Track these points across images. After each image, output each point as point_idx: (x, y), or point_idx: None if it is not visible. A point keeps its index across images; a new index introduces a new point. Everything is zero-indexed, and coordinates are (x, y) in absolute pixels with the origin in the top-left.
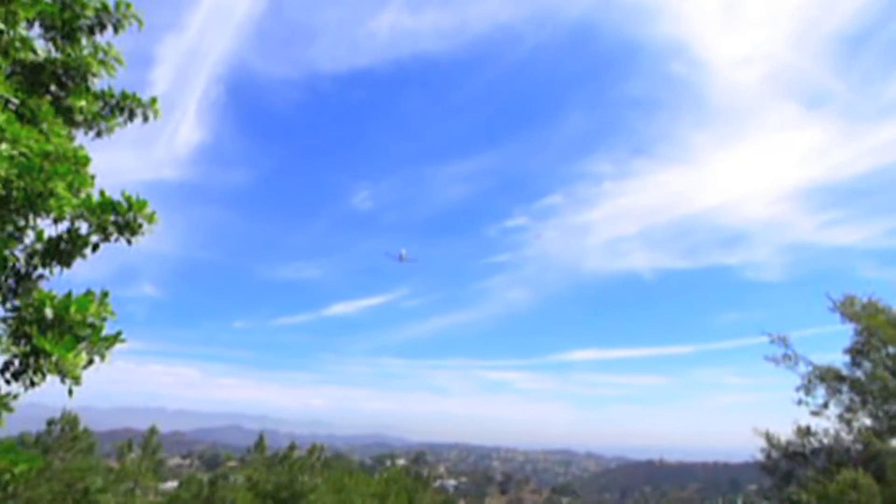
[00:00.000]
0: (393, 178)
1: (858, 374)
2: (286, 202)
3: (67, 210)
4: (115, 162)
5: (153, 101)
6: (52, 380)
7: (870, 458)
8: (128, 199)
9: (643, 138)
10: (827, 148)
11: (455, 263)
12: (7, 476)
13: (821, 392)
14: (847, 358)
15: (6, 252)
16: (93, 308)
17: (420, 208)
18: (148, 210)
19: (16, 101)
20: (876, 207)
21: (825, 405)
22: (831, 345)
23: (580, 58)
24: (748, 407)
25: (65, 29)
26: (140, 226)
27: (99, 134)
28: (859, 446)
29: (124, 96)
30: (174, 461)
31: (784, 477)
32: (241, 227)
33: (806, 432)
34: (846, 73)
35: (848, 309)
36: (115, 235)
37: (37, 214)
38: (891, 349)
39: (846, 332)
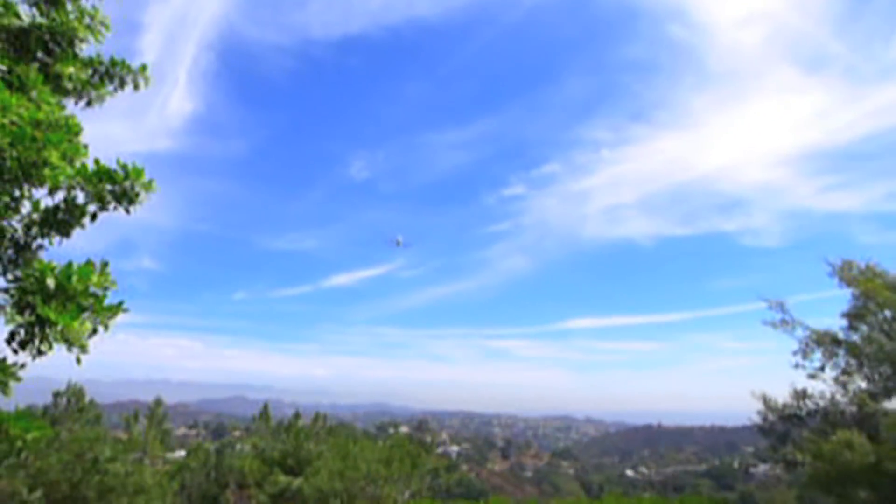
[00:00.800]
0: (390, 146)
1: (855, 337)
2: (282, 172)
3: (63, 179)
4: (106, 132)
5: (143, 68)
6: (56, 352)
7: (864, 419)
8: (124, 167)
9: (642, 103)
10: (827, 111)
11: (454, 232)
12: (19, 443)
13: (817, 356)
14: (844, 322)
15: (4, 223)
16: (94, 278)
17: (417, 177)
18: (145, 178)
19: (3, 68)
20: (875, 171)
21: (822, 368)
22: (829, 309)
23: (578, 20)
24: (745, 371)
25: None
26: (137, 195)
27: (89, 103)
28: (854, 408)
29: (113, 63)
30: (180, 431)
31: (780, 438)
32: (238, 199)
33: (802, 395)
34: (848, 35)
35: (846, 274)
36: (113, 205)
37: (32, 184)
38: (887, 313)
39: (844, 297)
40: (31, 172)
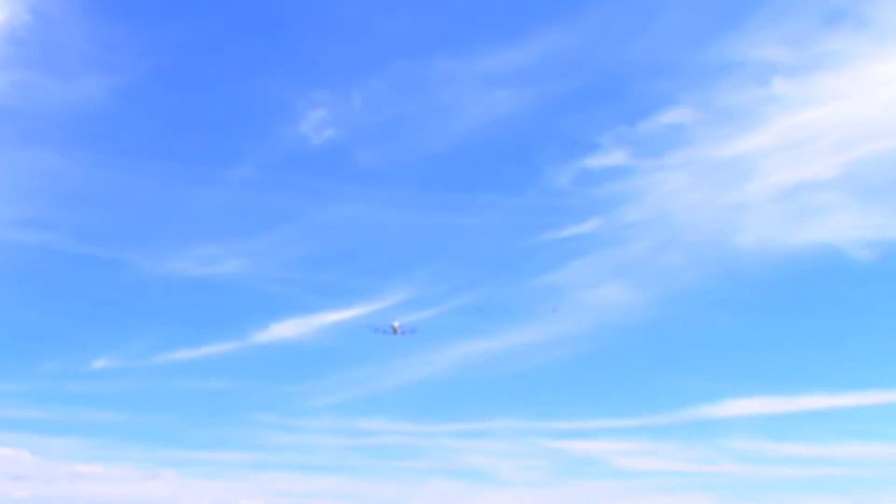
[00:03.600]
0: (373, 83)
1: None
2: (177, 137)
3: None
4: None
5: None
6: None
7: None
8: None
9: None
10: None
11: (493, 242)
12: None
13: None
14: None
15: None
16: None
17: (424, 140)
18: None
19: None
20: None
21: None
22: None
23: None
24: None
25: None
26: None
27: None
28: None
29: None
30: None
31: None
32: (98, 183)
33: None
34: None
35: None
36: None
37: None
38: None
39: None
40: None
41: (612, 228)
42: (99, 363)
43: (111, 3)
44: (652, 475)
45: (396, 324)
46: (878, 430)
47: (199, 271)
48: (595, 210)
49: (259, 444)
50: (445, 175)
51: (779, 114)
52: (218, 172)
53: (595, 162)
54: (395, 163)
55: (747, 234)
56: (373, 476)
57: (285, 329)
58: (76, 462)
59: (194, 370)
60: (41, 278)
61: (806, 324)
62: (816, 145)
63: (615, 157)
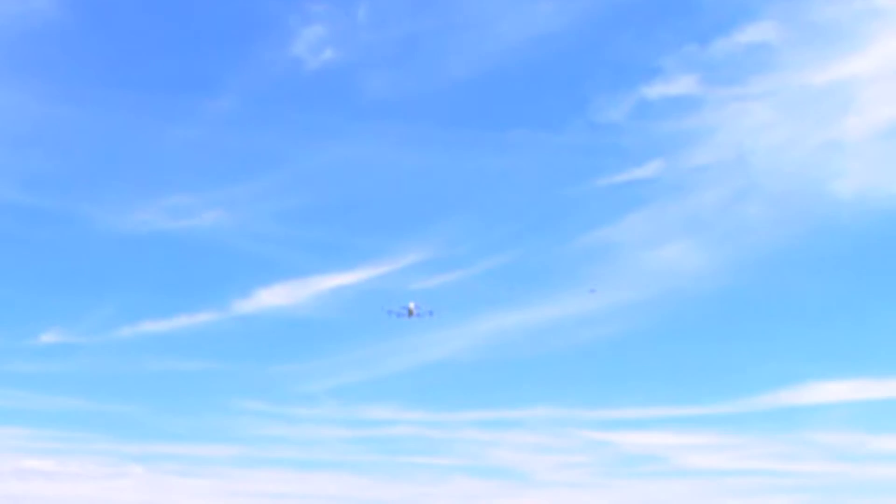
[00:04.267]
0: None
1: None
2: (143, 62)
3: None
4: None
5: None
6: None
7: None
8: None
9: None
10: None
11: (531, 189)
12: None
13: None
14: None
15: None
16: None
17: (445, 64)
18: None
19: None
20: None
21: None
22: None
23: None
24: None
25: None
26: None
27: None
28: None
29: None
30: None
31: None
32: (45, 122)
33: None
34: None
35: None
36: None
37: None
38: None
39: None
40: None
41: (678, 173)
42: (48, 337)
43: None
44: (722, 475)
45: (412, 305)
46: None
47: (169, 225)
48: (656, 151)
49: (244, 436)
50: (471, 108)
51: (884, 32)
52: (193, 105)
53: (656, 91)
54: (408, 92)
55: (845, 180)
56: (382, 475)
57: (275, 296)
58: (23, 456)
59: (164, 346)
60: None
61: None
62: None
63: (681, 85)
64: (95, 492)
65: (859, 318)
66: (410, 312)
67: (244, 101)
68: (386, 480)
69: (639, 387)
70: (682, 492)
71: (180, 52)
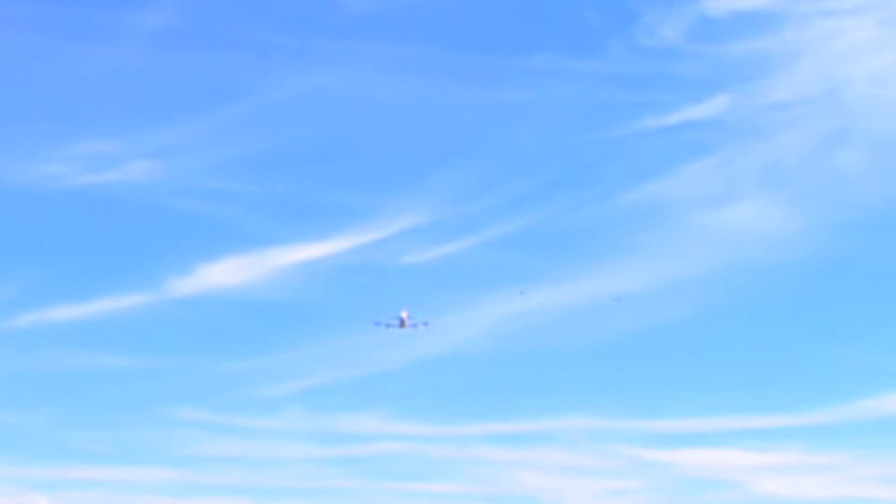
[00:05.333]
0: None
1: None
2: None
3: None
4: None
5: None
6: None
7: None
8: None
9: None
10: None
11: (558, 130)
12: None
13: None
14: None
15: None
16: None
17: None
18: None
19: None
20: None
21: None
22: None
23: None
24: None
25: None
26: None
27: None
28: None
29: None
30: None
31: None
32: None
33: None
34: None
35: None
36: None
37: None
38: None
39: None
40: None
41: (749, 111)
42: None
43: None
44: None
45: (405, 313)
46: None
47: (85, 180)
48: (721, 82)
49: (183, 455)
50: (482, 27)
51: None
52: (115, 21)
53: (722, 5)
54: (400, 5)
55: None
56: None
57: (224, 273)
58: None
59: (78, 338)
60: None
61: None
62: None
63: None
64: None
65: None
66: (403, 323)
67: (183, 17)
68: None
69: (703, 390)
70: None
71: None
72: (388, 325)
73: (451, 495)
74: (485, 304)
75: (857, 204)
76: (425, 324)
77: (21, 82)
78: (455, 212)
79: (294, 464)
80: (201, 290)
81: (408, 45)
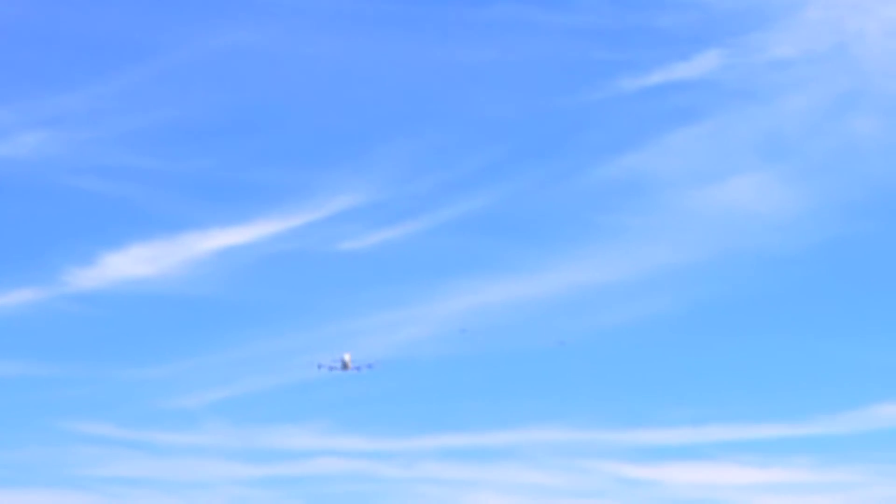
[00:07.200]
0: None
1: None
2: None
3: None
4: None
5: None
6: None
7: None
8: None
9: None
10: None
11: (524, 93)
12: None
13: None
14: None
15: None
16: None
17: None
18: None
19: None
20: None
21: None
22: None
23: None
24: None
25: None
26: None
27: None
28: None
29: None
30: None
31: None
32: None
33: None
34: None
35: None
36: None
37: None
38: None
39: None
40: None
41: (745, 70)
42: None
43: None
44: None
45: (348, 356)
46: None
47: None
48: (712, 36)
49: (84, 475)
50: None
51: None
52: None
53: None
54: None
55: None
56: None
57: (131, 263)
58: None
59: None
60: None
61: None
62: None
63: None
64: None
65: None
66: (346, 366)
67: None
68: None
69: (693, 396)
70: None
71: None
72: (330, 368)
73: None
74: (436, 298)
75: (872, 179)
76: (369, 366)
77: None
78: (401, 190)
79: (216, 485)
80: (104, 284)
81: None
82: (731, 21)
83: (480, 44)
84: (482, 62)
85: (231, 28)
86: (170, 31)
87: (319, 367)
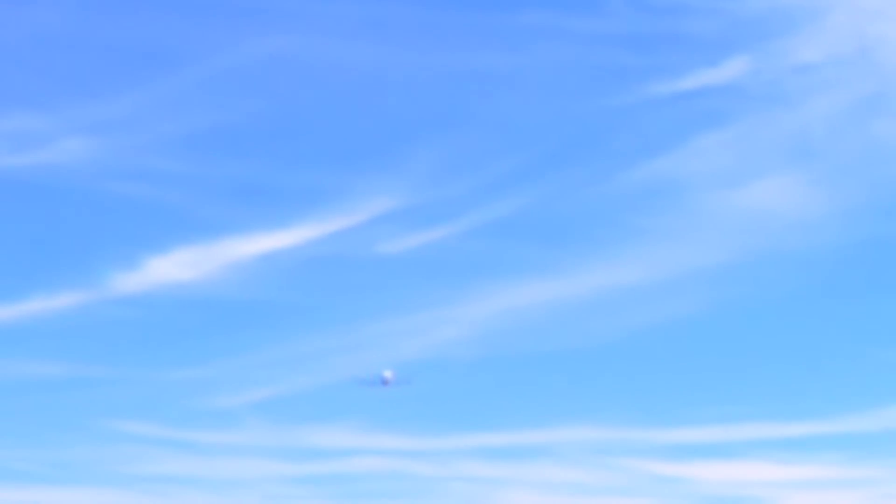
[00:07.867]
0: None
1: None
2: None
3: None
4: None
5: None
6: None
7: None
8: None
9: None
10: None
11: (553, 99)
12: None
13: None
14: None
15: None
16: None
17: None
18: None
19: None
20: None
21: None
22: None
23: None
24: None
25: None
26: None
27: None
28: None
29: None
30: None
31: None
32: None
33: None
34: None
35: None
36: None
37: None
38: None
39: None
40: None
41: (772, 75)
42: None
43: None
44: None
45: (389, 373)
46: None
47: (7, 162)
48: (740, 41)
49: (128, 474)
50: None
51: None
52: None
53: None
54: None
55: None
56: None
57: (173, 267)
58: None
59: (8, 344)
60: None
61: None
62: None
63: None
64: None
65: None
66: (386, 382)
67: None
68: None
69: (723, 395)
70: None
71: None
72: (370, 384)
73: None
74: (471, 300)
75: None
76: (408, 382)
77: None
78: (435, 194)
79: (256, 483)
80: (147, 287)
81: (379, 3)
82: (757, 27)
83: (512, 50)
84: (514, 67)
85: (268, 36)
86: (209, 40)
87: (360, 382)
